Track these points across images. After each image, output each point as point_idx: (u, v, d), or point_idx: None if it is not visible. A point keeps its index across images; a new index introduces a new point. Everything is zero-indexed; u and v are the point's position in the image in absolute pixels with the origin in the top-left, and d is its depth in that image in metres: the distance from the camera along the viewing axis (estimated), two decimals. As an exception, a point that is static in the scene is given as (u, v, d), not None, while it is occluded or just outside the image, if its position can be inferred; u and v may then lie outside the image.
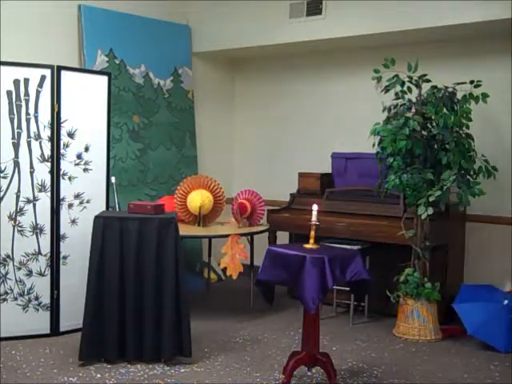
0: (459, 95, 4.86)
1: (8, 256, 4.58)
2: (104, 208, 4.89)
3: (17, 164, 4.58)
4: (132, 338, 4.15)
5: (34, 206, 4.63)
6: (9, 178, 4.56)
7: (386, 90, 4.99)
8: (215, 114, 7.02)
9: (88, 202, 4.83)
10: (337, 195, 5.70)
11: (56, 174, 4.68)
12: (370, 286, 3.88)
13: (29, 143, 4.60)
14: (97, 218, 4.22)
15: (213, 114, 6.97)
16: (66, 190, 4.73)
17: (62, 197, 4.71)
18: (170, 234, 4.19)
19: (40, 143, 4.64)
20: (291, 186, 6.12)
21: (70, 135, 4.74)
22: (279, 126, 6.83)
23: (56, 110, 4.66)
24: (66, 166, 4.72)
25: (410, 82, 4.98)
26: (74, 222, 4.77)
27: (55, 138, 4.66)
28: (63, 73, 4.67)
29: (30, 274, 4.64)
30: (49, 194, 4.67)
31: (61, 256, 4.73)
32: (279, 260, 3.77)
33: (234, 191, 6.22)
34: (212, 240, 5.96)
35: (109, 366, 4.12)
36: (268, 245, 5.41)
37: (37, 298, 4.67)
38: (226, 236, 5.16)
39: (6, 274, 4.59)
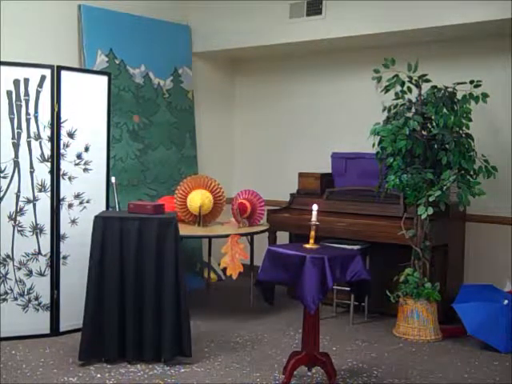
0: (459, 95, 4.86)
1: (8, 256, 4.58)
2: (104, 208, 4.89)
3: (17, 164, 4.58)
4: (132, 338, 4.15)
5: (34, 206, 4.63)
6: (9, 178, 4.56)
7: (386, 89, 4.99)
8: (215, 114, 7.02)
9: (88, 202, 4.83)
10: (337, 195, 5.70)
11: (56, 173, 4.68)
12: (371, 286, 3.88)
13: (29, 143, 4.60)
14: (97, 218, 4.21)
15: (213, 114, 6.97)
16: (66, 190, 4.73)
17: (62, 197, 4.71)
18: (169, 234, 4.19)
19: (40, 143, 4.63)
20: (291, 186, 6.11)
21: (70, 135, 4.74)
22: (279, 125, 6.83)
23: (56, 109, 4.66)
24: (65, 165, 4.72)
25: (410, 82, 4.98)
26: (74, 221, 4.77)
27: (55, 138, 4.66)
28: (63, 73, 4.67)
29: (29, 273, 4.64)
30: (49, 194, 4.67)
31: (61, 256, 4.73)
32: (279, 260, 3.77)
33: (233, 191, 6.22)
34: (212, 240, 5.96)
35: (109, 366, 4.12)
36: (268, 245, 5.41)
37: (37, 298, 4.66)
38: (226, 236, 5.16)
39: (6, 274, 4.59)
